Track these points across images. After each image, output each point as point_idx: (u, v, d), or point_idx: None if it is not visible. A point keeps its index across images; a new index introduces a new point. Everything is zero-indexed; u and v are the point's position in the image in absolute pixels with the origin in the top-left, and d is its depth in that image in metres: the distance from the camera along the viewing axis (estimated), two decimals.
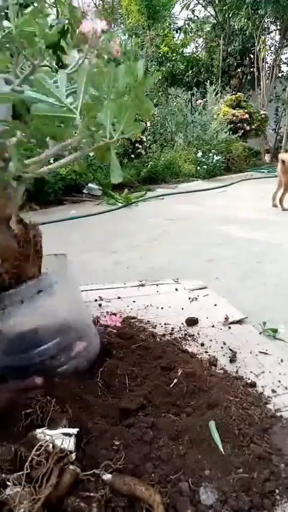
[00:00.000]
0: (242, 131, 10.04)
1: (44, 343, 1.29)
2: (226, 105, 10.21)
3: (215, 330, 1.89)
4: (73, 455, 0.94)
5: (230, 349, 1.71)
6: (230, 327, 1.92)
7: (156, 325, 1.95)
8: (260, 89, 11.46)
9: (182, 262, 3.14)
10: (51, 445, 0.91)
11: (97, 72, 0.96)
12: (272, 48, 12.66)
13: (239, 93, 11.03)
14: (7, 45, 1.02)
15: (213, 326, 1.94)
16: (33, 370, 1.25)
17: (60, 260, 1.43)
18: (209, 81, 10.55)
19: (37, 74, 1.00)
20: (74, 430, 0.99)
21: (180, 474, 1.00)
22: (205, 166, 8.65)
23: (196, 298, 2.29)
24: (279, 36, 12.36)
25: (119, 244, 3.77)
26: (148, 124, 9.06)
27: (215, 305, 2.18)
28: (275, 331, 1.85)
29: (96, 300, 2.24)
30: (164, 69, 12.33)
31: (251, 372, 1.54)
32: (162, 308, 2.17)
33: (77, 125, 0.96)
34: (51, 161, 1.17)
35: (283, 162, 5.04)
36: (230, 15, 12.03)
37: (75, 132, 1.00)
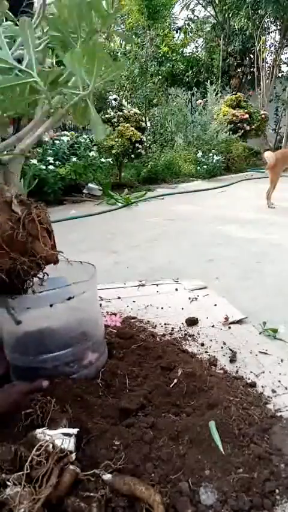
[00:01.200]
0: (242, 131, 10.05)
1: (61, 349, 1.30)
2: (226, 105, 10.22)
3: (215, 330, 1.89)
4: (73, 455, 0.94)
5: (230, 349, 1.71)
6: (230, 327, 1.92)
7: (156, 325, 1.95)
8: (260, 89, 11.47)
9: (182, 262, 3.14)
10: (51, 445, 0.91)
11: (54, 19, 0.85)
12: (272, 48, 12.67)
13: (239, 93, 11.04)
14: None
15: (213, 326, 1.94)
16: (44, 374, 1.26)
17: (88, 269, 1.42)
18: (209, 81, 10.56)
19: None
20: (74, 430, 0.99)
21: (180, 474, 0.99)
22: (205, 166, 8.66)
23: (196, 298, 2.29)
24: (279, 36, 12.37)
25: (119, 244, 3.77)
26: (148, 124, 9.06)
27: (215, 305, 2.18)
28: (275, 331, 1.85)
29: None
30: (164, 69, 12.34)
31: (251, 372, 1.54)
32: (162, 308, 2.17)
33: (39, 89, 0.85)
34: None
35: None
36: (230, 15, 12.04)
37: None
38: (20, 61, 0.97)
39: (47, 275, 1.23)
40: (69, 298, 1.25)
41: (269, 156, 5.11)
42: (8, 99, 0.88)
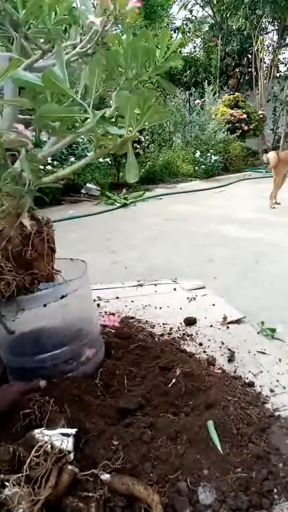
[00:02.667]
0: (240, 131, 10.06)
1: (58, 347, 1.30)
2: (224, 105, 10.23)
3: (213, 330, 1.90)
4: (71, 456, 0.94)
5: (228, 349, 1.71)
6: (228, 327, 1.93)
7: (154, 325, 1.95)
8: (258, 89, 11.49)
9: (180, 262, 3.14)
10: (49, 446, 0.91)
11: (112, 52, 0.91)
12: (270, 48, 12.69)
13: (237, 93, 11.05)
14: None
15: (211, 326, 1.94)
16: (43, 373, 1.26)
17: (80, 266, 1.43)
18: (207, 81, 10.57)
19: (47, 62, 0.95)
20: (73, 430, 0.99)
21: (179, 474, 1.00)
22: (203, 166, 8.66)
23: (194, 298, 2.29)
24: (277, 36, 12.38)
25: (118, 244, 3.77)
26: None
27: (213, 305, 2.19)
28: (273, 330, 1.86)
29: (94, 300, 2.23)
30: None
31: (249, 372, 1.54)
32: (160, 308, 2.17)
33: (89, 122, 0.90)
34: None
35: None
36: (228, 15, 12.06)
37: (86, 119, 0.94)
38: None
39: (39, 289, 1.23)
40: (63, 297, 1.25)
41: (271, 156, 5.13)
42: (59, 125, 0.94)
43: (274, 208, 5.19)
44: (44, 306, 1.22)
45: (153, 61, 0.99)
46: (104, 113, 0.92)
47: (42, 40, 1.06)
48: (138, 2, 0.95)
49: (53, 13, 0.97)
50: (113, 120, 0.98)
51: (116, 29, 1.11)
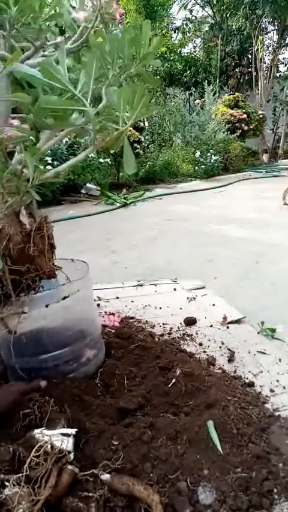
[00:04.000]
0: (240, 131, 10.07)
1: (59, 348, 1.30)
2: (224, 105, 10.24)
3: (213, 330, 1.90)
4: (71, 456, 0.94)
5: (228, 349, 1.71)
6: (228, 327, 1.93)
7: (154, 325, 1.95)
8: (258, 89, 11.49)
9: (181, 262, 3.14)
10: (49, 446, 0.91)
11: (99, 48, 0.92)
12: (270, 48, 12.70)
13: (237, 93, 11.06)
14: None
15: (211, 326, 1.94)
16: (44, 374, 1.26)
17: (81, 267, 1.43)
18: (207, 81, 10.58)
19: (35, 60, 0.96)
20: (73, 430, 0.99)
21: (179, 474, 1.00)
22: (203, 166, 8.67)
23: (194, 298, 2.29)
24: (277, 36, 12.39)
25: (118, 244, 3.77)
26: (146, 124, 9.07)
27: (213, 305, 2.19)
28: (273, 330, 1.86)
29: (94, 300, 2.23)
30: (162, 69, 12.33)
31: (249, 372, 1.54)
32: (160, 308, 2.17)
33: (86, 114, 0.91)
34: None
35: None
36: (228, 15, 12.06)
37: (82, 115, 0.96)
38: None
39: (42, 287, 1.23)
40: (65, 298, 1.25)
41: None
42: (56, 118, 0.94)
43: (286, 204, 5.19)
44: (46, 306, 1.22)
45: (140, 52, 1.00)
46: (99, 108, 0.93)
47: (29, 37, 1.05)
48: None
49: (43, 9, 0.97)
50: (106, 114, 0.99)
51: (115, 29, 1.12)
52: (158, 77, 12.48)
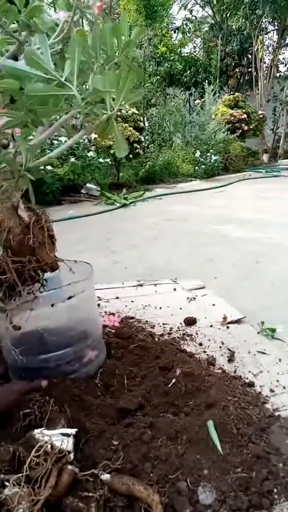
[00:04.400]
0: (240, 131, 10.07)
1: (62, 348, 1.31)
2: (224, 105, 10.24)
3: (213, 330, 1.90)
4: (71, 456, 0.94)
5: (228, 349, 1.71)
6: (228, 327, 1.93)
7: (154, 325, 1.95)
8: (258, 89, 11.49)
9: (181, 262, 3.14)
10: (49, 446, 0.91)
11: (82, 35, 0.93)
12: (270, 48, 12.70)
13: (237, 93, 11.06)
14: None
15: (211, 326, 1.94)
16: (46, 374, 1.26)
17: (83, 268, 1.43)
18: (207, 81, 10.58)
19: (26, 48, 0.97)
20: (73, 430, 0.99)
21: (179, 474, 1.00)
22: (203, 166, 8.67)
23: (194, 298, 2.29)
24: (276, 36, 12.39)
25: (118, 244, 3.77)
26: (146, 124, 9.07)
27: (213, 305, 2.19)
28: (273, 330, 1.86)
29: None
30: (162, 69, 12.34)
31: (249, 372, 1.54)
32: (160, 308, 2.17)
33: (72, 100, 0.92)
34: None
35: None
36: (228, 15, 12.07)
37: (70, 105, 0.97)
38: (16, 58, 1.01)
39: (45, 281, 1.23)
40: (70, 298, 1.25)
41: None
42: (43, 107, 0.94)
43: None
44: (52, 306, 1.22)
45: (121, 42, 1.02)
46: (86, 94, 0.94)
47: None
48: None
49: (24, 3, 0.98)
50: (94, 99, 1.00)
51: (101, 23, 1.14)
52: (158, 77, 12.49)
